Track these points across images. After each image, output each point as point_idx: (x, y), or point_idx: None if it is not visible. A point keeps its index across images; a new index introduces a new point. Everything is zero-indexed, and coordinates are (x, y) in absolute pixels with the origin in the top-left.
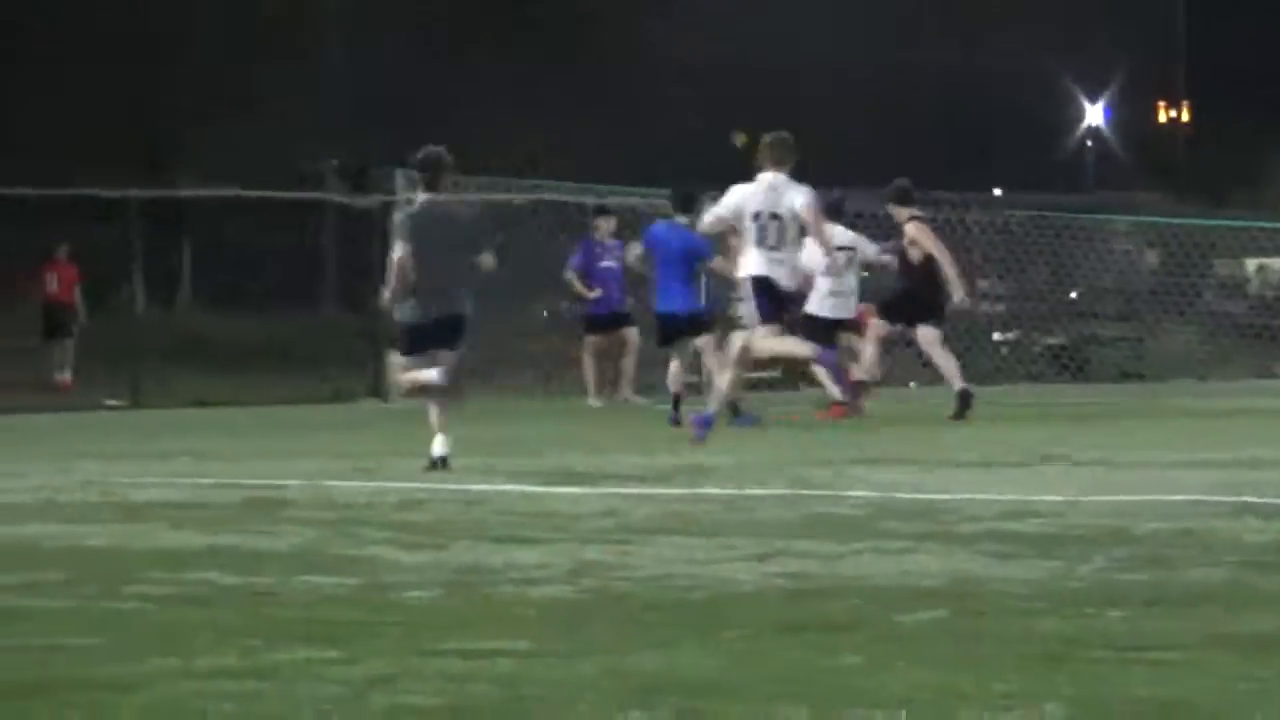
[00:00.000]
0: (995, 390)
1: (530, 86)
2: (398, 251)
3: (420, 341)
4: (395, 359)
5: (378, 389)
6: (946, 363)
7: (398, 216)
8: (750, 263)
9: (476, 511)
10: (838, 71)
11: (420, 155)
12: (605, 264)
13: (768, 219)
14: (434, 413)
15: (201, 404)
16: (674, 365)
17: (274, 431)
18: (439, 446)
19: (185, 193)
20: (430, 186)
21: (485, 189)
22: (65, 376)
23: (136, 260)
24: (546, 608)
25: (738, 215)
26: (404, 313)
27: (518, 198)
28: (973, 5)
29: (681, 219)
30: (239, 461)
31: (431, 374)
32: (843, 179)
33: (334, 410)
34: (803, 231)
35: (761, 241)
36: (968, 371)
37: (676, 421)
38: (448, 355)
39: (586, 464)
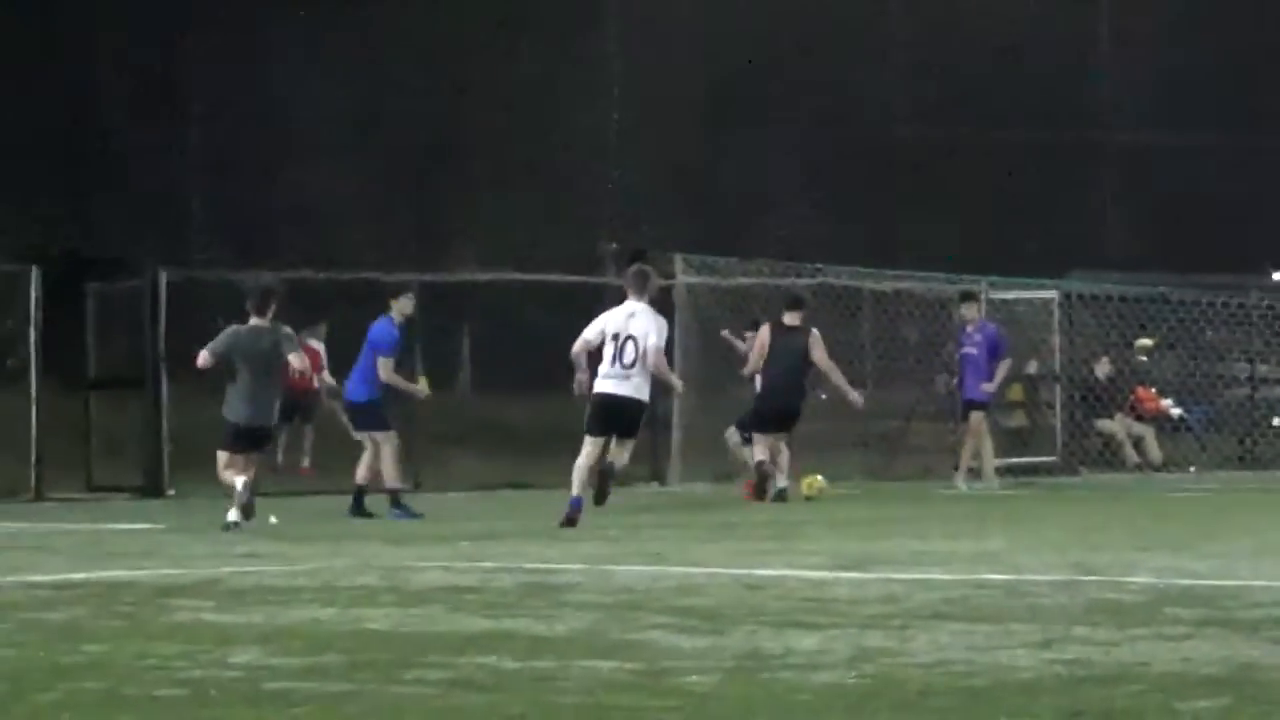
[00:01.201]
0: (1276, 475)
1: (799, 173)
2: (201, 358)
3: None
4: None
5: (658, 472)
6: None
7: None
8: (597, 380)
9: (756, 597)
10: (1100, 150)
11: (254, 286)
12: (965, 350)
13: (624, 340)
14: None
15: (481, 487)
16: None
17: (551, 513)
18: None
19: (465, 276)
20: (257, 312)
21: (766, 273)
22: (305, 464)
23: (418, 347)
24: (826, 694)
25: (600, 336)
26: (230, 412)
27: (801, 281)
28: (1238, 83)
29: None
30: (517, 545)
31: (238, 483)
32: (1121, 263)
33: (613, 494)
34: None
35: (614, 360)
36: (1250, 455)
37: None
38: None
39: (866, 549)
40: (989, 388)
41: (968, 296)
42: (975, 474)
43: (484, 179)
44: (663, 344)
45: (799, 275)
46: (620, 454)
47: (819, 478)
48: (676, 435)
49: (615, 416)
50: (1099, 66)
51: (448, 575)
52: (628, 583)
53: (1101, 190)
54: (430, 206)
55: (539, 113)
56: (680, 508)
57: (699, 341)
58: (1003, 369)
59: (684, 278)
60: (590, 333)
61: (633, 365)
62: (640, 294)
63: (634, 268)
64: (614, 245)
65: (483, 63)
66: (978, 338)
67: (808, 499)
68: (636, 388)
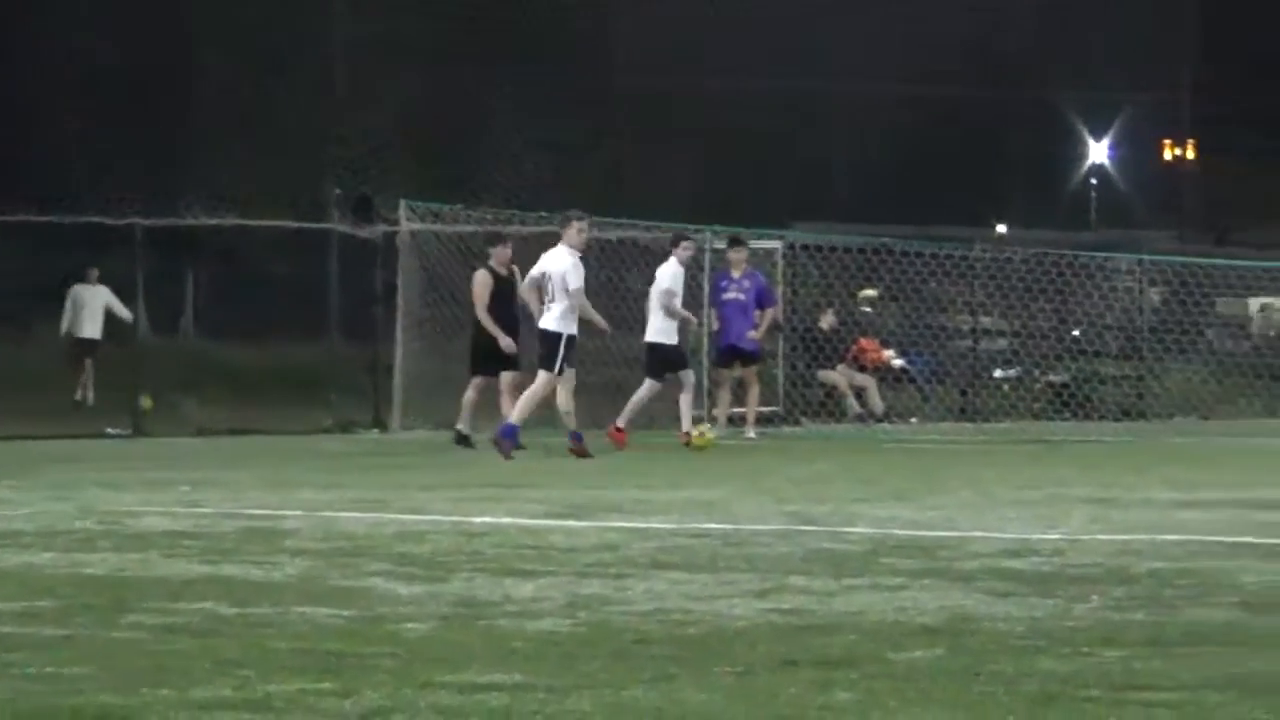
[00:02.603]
0: (997, 428)
1: (535, 116)
2: None
3: None
4: None
5: (380, 419)
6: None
7: None
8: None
9: (474, 544)
10: (828, 102)
11: None
12: (730, 296)
13: (545, 279)
14: None
15: (204, 433)
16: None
17: (275, 461)
18: None
19: (190, 221)
20: None
21: (490, 221)
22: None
23: (139, 288)
24: (542, 641)
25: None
26: None
27: (525, 229)
28: (975, 43)
29: None
30: (240, 491)
31: None
32: (845, 214)
33: (336, 440)
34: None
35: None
36: (971, 408)
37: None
38: None
39: (586, 498)
40: (755, 335)
41: (736, 242)
42: (735, 422)
43: (209, 123)
44: (579, 284)
45: (523, 223)
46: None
47: (708, 427)
48: (399, 381)
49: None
50: (826, 17)
51: (166, 520)
52: (347, 529)
53: (828, 142)
54: (155, 151)
55: (265, 57)
56: (402, 454)
57: (422, 287)
58: (768, 318)
59: (408, 224)
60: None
61: (552, 300)
62: (566, 237)
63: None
64: (339, 191)
65: (209, 6)
66: (746, 284)
67: (699, 449)
68: (551, 320)
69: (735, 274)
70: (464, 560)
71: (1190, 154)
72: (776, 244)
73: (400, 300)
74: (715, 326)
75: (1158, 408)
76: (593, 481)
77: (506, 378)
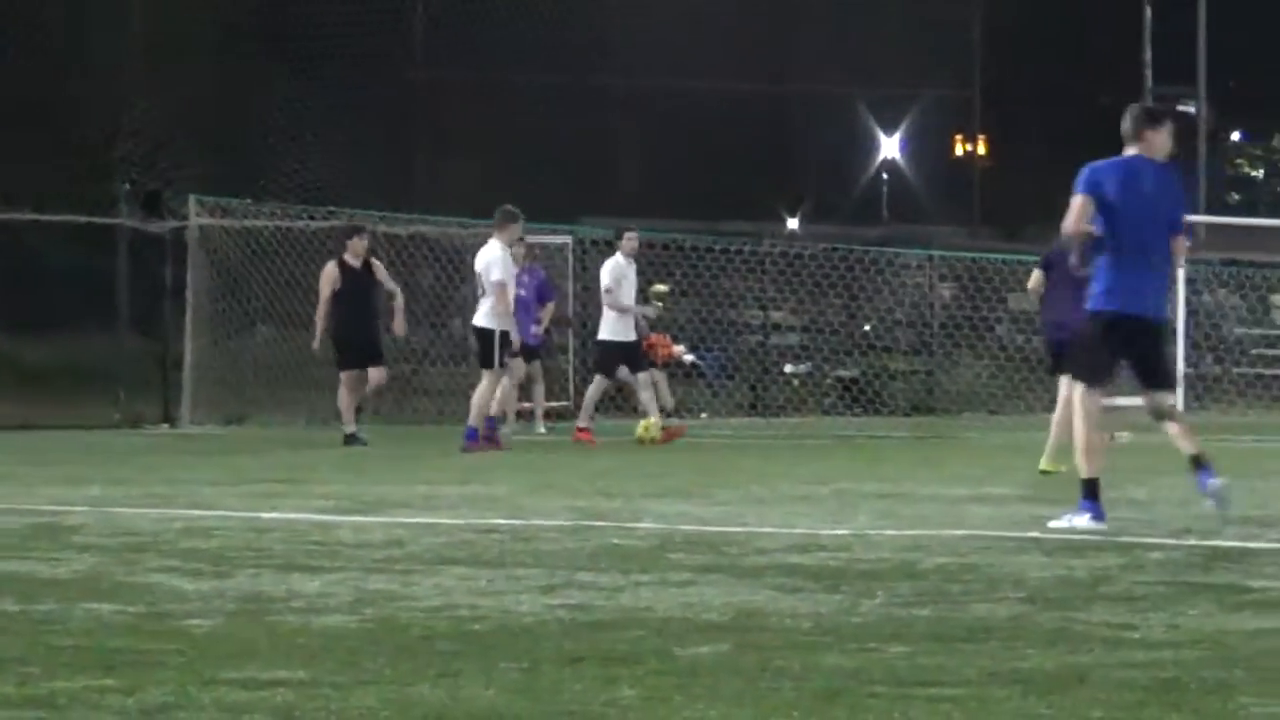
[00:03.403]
0: (787, 423)
1: (321, 117)
2: None
3: None
4: None
5: (169, 415)
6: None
7: None
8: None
9: (262, 540)
10: (617, 97)
11: None
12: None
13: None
14: None
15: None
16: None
17: (63, 456)
18: None
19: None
20: None
21: (283, 217)
22: None
23: None
24: (328, 637)
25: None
26: None
27: (314, 224)
28: (770, 34)
29: None
30: (26, 486)
31: None
32: (635, 210)
33: (125, 436)
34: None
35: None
36: (761, 403)
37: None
38: None
39: (374, 493)
40: (537, 330)
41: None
42: (524, 418)
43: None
44: (505, 278)
45: (312, 218)
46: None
47: (653, 420)
48: (188, 376)
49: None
50: (617, 11)
51: None
52: (133, 525)
53: (616, 137)
54: None
55: (56, 48)
56: (191, 450)
57: (210, 284)
58: (549, 312)
59: (197, 219)
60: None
61: (482, 294)
62: (499, 234)
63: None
64: (128, 185)
65: None
66: (526, 279)
67: (640, 442)
68: (480, 315)
69: (515, 269)
70: (250, 556)
71: (981, 149)
72: (566, 239)
73: (189, 295)
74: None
75: (947, 403)
76: (381, 477)
77: (374, 373)
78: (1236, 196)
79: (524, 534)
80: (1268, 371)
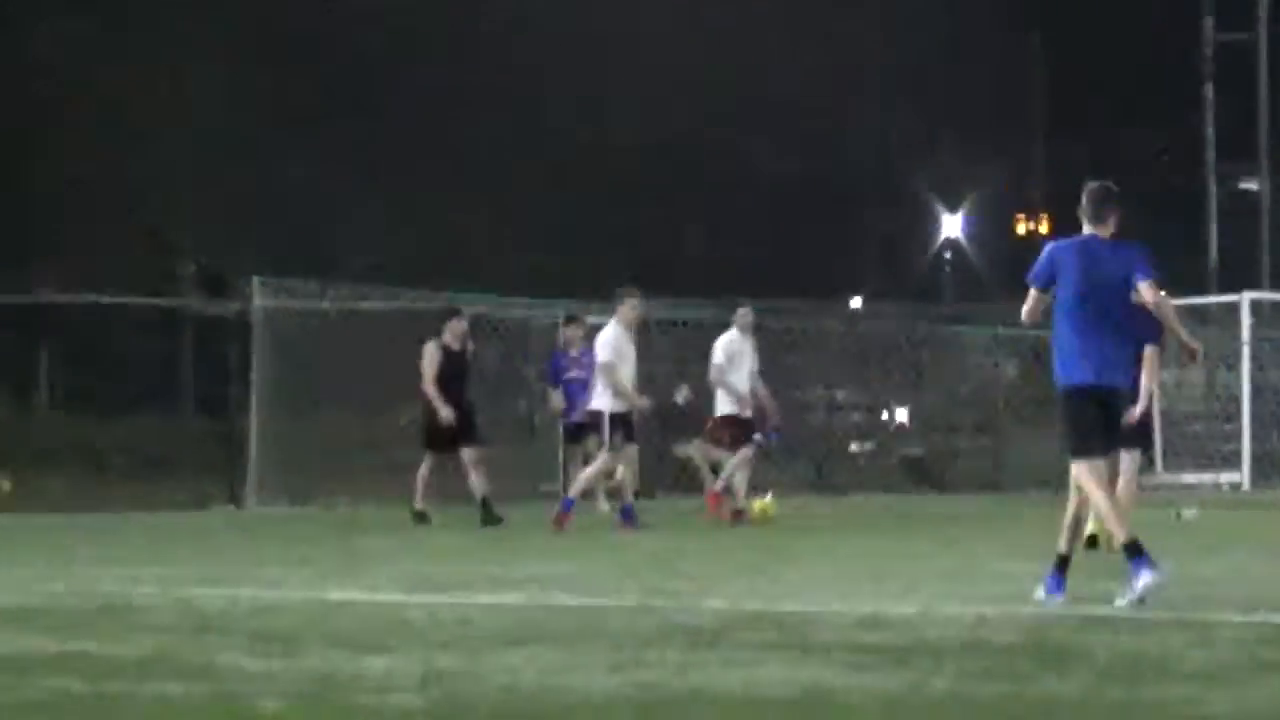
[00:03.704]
0: (852, 500)
1: (383, 197)
2: None
3: None
4: None
5: (234, 495)
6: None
7: None
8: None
9: (329, 620)
10: (684, 172)
11: None
12: (572, 375)
13: None
14: None
15: (59, 510)
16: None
17: (130, 537)
18: None
19: (44, 298)
20: None
21: (348, 298)
22: None
23: None
24: (397, 716)
25: None
26: None
27: (379, 305)
28: (831, 113)
29: None
30: (94, 567)
31: None
32: (697, 288)
33: (191, 516)
34: None
35: None
36: (824, 480)
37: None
38: None
39: (441, 573)
40: None
41: (571, 319)
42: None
43: (64, 199)
44: (607, 358)
45: (376, 298)
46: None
47: (769, 499)
48: (254, 456)
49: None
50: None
51: (17, 597)
52: (201, 605)
53: (680, 215)
54: (7, 226)
55: (118, 133)
56: (257, 530)
57: (277, 364)
58: None
59: (261, 300)
60: None
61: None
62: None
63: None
64: (193, 268)
65: (61, 81)
66: (585, 360)
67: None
68: (594, 398)
69: (573, 352)
70: (318, 636)
71: (1044, 228)
72: None
73: (255, 376)
74: (561, 405)
75: (1012, 480)
76: (448, 556)
77: (467, 453)
78: None
79: (591, 613)
80: None
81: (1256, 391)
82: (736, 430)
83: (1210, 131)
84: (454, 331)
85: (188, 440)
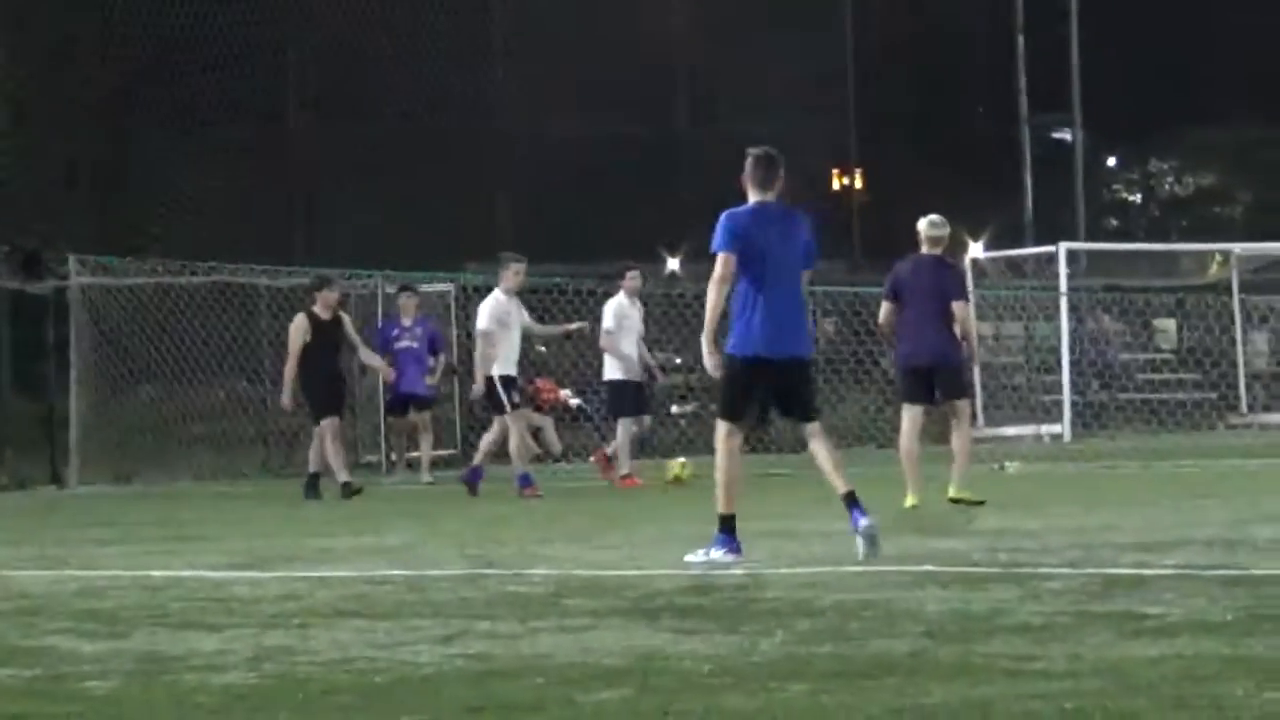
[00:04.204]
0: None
1: (199, 171)
2: None
3: None
4: None
5: (56, 475)
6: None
7: None
8: None
9: (156, 598)
10: (495, 142)
11: None
12: (404, 344)
13: None
14: None
15: None
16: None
17: None
18: None
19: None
20: None
21: (160, 272)
22: None
23: None
24: (228, 695)
25: None
26: None
27: (196, 280)
28: (647, 71)
29: None
30: None
31: None
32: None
33: (12, 497)
34: None
35: None
36: (649, 445)
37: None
38: None
39: (267, 548)
40: (431, 381)
41: (406, 289)
42: (413, 467)
43: None
44: (484, 326)
45: (194, 274)
46: None
47: (684, 461)
48: (74, 437)
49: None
50: (493, 57)
51: None
52: (26, 588)
53: (495, 181)
54: None
55: None
56: (80, 510)
57: (94, 342)
58: (442, 363)
59: (78, 278)
60: None
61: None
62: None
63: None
64: (6, 247)
65: None
66: (418, 330)
67: (677, 480)
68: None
69: (406, 321)
70: (146, 615)
71: (859, 183)
72: (448, 286)
73: (73, 355)
74: (390, 375)
75: (834, 438)
76: (272, 531)
77: (328, 423)
78: (1114, 222)
79: (419, 584)
80: (1153, 396)
81: (1075, 341)
82: (626, 395)
83: (1023, 82)
84: (325, 302)
85: (6, 420)
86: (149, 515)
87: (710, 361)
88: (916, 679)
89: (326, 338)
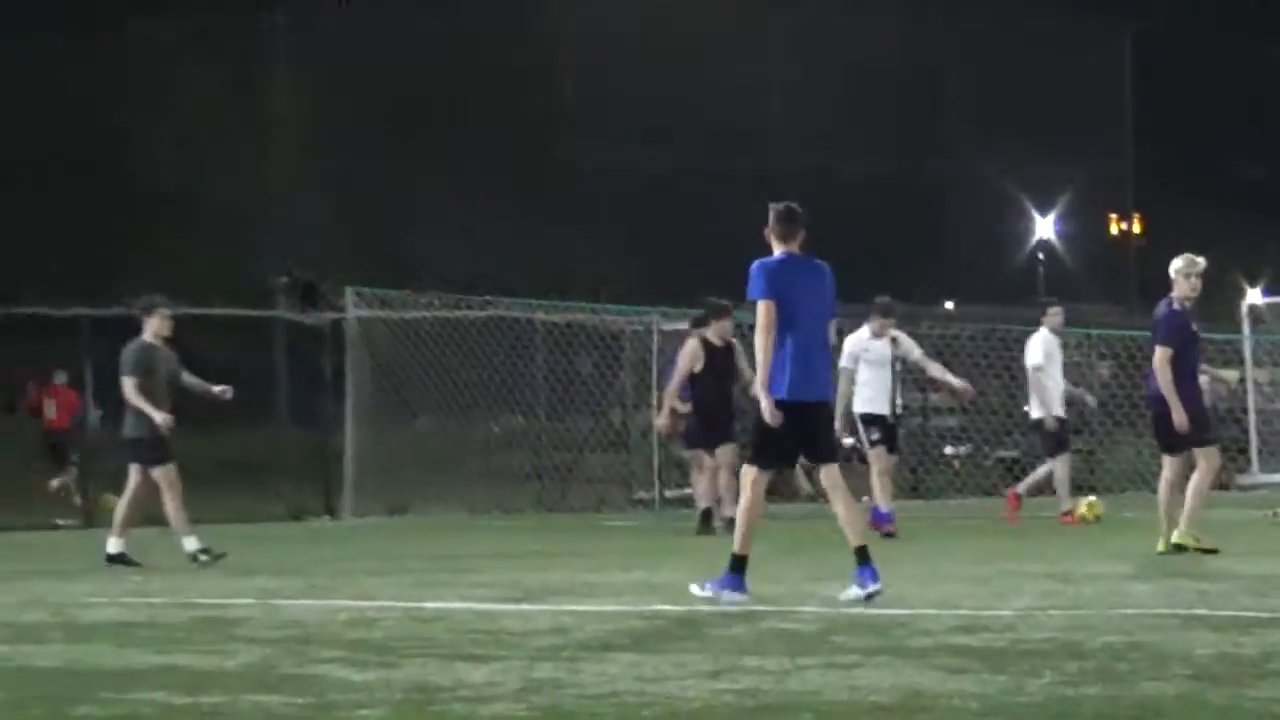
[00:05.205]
0: (948, 504)
1: (472, 205)
2: None
3: None
4: None
5: (330, 506)
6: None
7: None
8: None
9: (426, 629)
10: (773, 176)
11: None
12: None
13: None
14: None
15: (155, 523)
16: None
17: (228, 550)
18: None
19: (136, 311)
20: None
21: (437, 306)
22: (77, 500)
23: (89, 380)
24: None
25: None
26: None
27: (472, 314)
28: (922, 115)
29: None
30: (191, 580)
31: None
32: None
33: (287, 528)
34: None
35: None
36: (922, 485)
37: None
38: None
39: (537, 581)
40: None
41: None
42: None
43: (156, 212)
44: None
45: (469, 307)
46: None
47: (1095, 499)
48: (349, 468)
49: None
50: (767, 94)
51: (118, 611)
52: (298, 616)
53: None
54: (100, 239)
55: (205, 147)
56: (353, 541)
57: (370, 374)
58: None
59: (355, 311)
60: None
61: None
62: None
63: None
64: (284, 279)
65: (151, 93)
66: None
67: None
68: None
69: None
70: (416, 645)
71: (1136, 228)
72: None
73: (349, 387)
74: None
75: (1108, 481)
76: (542, 565)
77: (723, 452)
78: None
79: (689, 620)
80: None
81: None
82: (1063, 430)
83: None
84: (719, 330)
85: (283, 452)
86: (421, 547)
87: (767, 407)
88: None
89: (717, 365)
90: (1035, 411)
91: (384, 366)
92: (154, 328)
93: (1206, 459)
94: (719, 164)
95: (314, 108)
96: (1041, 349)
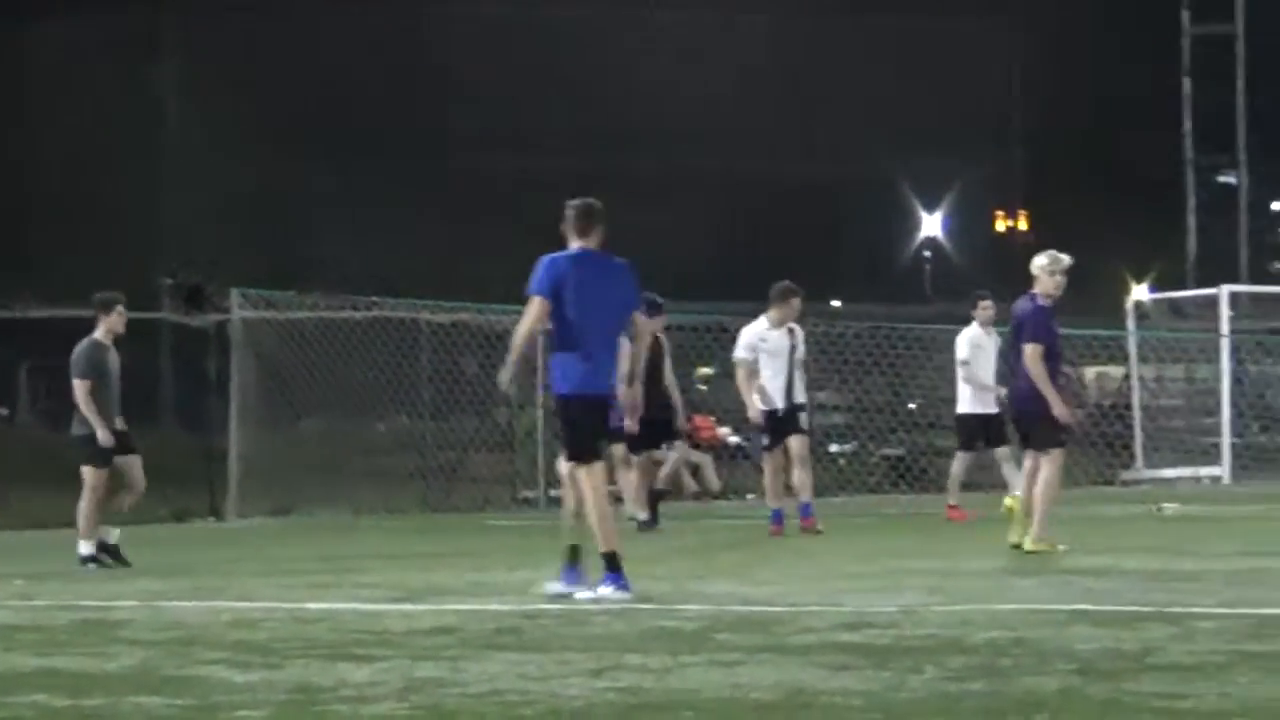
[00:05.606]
0: (832, 502)
1: (365, 206)
2: None
3: None
4: None
5: (215, 508)
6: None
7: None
8: None
9: (309, 630)
10: (668, 177)
11: None
12: None
13: None
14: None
15: (39, 525)
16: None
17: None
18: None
19: (20, 314)
20: None
21: (322, 307)
22: None
23: None
24: None
25: None
26: None
27: (358, 314)
28: (807, 114)
29: None
30: (72, 581)
31: None
32: (680, 290)
33: (172, 529)
34: None
35: None
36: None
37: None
38: None
39: (422, 581)
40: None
41: None
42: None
43: (40, 211)
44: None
45: (355, 308)
46: None
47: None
48: (234, 470)
49: None
50: (649, 95)
51: (0, 614)
52: (181, 618)
53: (657, 220)
54: None
55: (94, 145)
56: (237, 542)
57: (256, 376)
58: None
59: (240, 312)
60: None
61: None
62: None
63: None
64: (170, 280)
65: (40, 93)
66: None
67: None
68: None
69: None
70: (299, 646)
71: (1023, 225)
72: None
73: (234, 388)
74: None
75: (995, 478)
76: (427, 565)
77: (618, 450)
78: (1278, 265)
79: (571, 617)
80: None
81: (1236, 384)
82: (983, 428)
83: (1188, 126)
84: (653, 327)
85: (167, 453)
86: (306, 549)
87: (505, 375)
88: (1065, 717)
89: (648, 364)
90: (960, 406)
91: (269, 368)
92: (110, 324)
93: (1053, 460)
94: (613, 164)
95: (204, 108)
96: (968, 344)
